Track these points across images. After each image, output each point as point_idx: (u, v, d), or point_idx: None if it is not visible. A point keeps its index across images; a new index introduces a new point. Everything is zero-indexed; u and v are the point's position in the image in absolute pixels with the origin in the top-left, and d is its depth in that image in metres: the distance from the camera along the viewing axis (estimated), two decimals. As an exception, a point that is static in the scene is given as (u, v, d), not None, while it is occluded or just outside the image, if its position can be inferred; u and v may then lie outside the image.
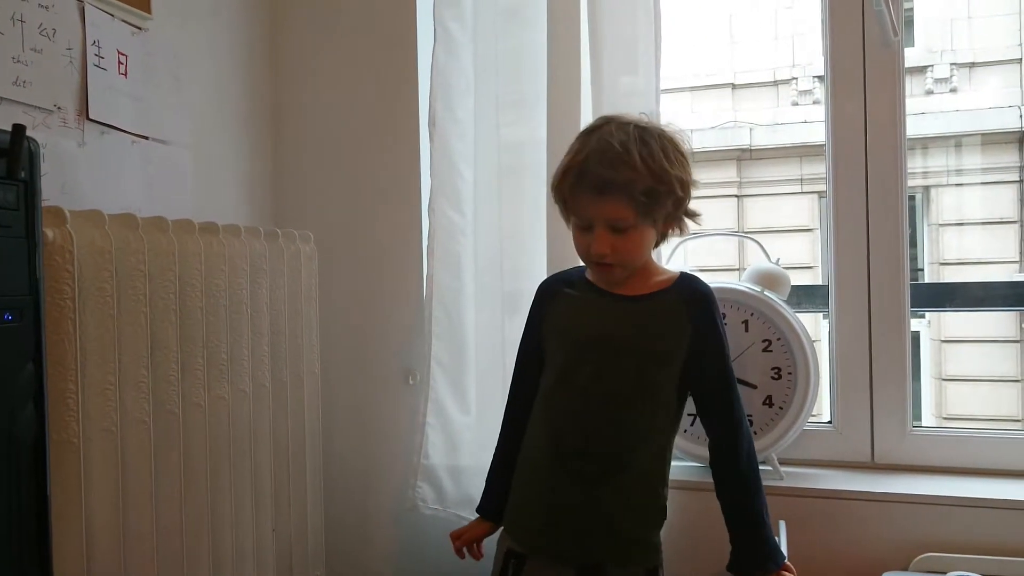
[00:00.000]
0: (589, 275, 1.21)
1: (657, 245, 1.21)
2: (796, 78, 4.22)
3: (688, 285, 1.18)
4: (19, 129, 0.67)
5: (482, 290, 1.52)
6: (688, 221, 1.17)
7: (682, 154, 1.12)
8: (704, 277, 1.63)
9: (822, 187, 1.52)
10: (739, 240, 4.05)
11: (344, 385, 1.63)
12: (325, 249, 1.52)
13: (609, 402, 1.14)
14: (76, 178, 1.19)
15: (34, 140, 0.71)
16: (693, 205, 1.16)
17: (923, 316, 4.04)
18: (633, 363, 1.14)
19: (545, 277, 1.32)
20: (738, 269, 3.30)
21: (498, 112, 1.49)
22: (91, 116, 1.22)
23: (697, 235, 1.62)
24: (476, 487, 1.35)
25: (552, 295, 1.23)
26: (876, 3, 1.41)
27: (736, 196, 4.17)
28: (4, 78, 1.07)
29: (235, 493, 1.22)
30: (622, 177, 1.07)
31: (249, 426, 1.25)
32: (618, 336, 1.15)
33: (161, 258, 1.09)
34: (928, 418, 4.03)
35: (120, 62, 1.28)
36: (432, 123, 1.48)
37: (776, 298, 1.43)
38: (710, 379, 1.17)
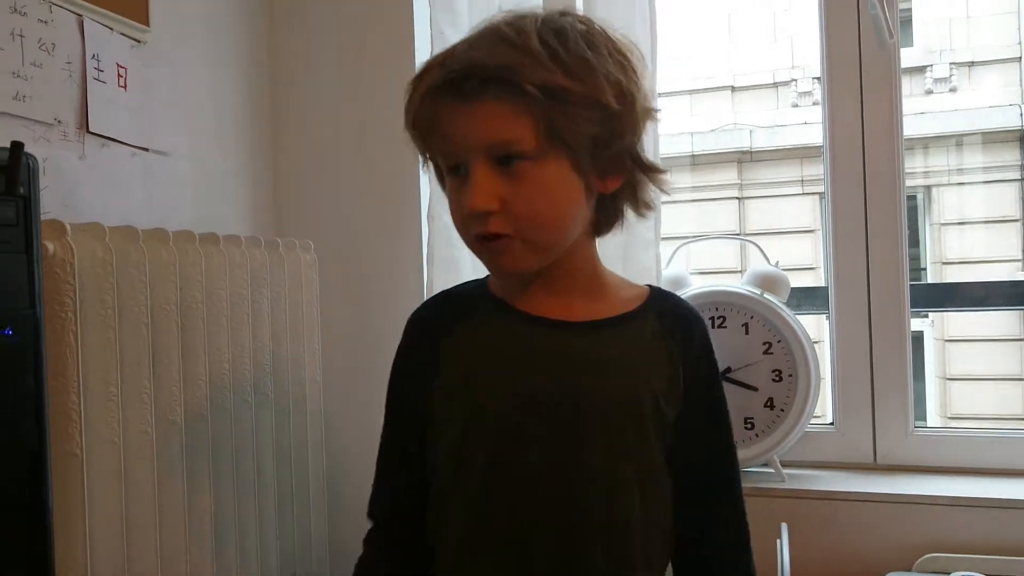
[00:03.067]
0: (494, 286, 0.80)
1: (600, 230, 0.79)
2: (795, 80, 4.23)
3: (668, 304, 0.81)
4: (17, 146, 0.68)
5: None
6: (650, 186, 0.77)
7: (625, 57, 0.72)
8: (705, 280, 1.63)
9: (822, 188, 1.53)
10: (740, 243, 4.06)
11: (346, 392, 1.63)
12: (326, 257, 1.53)
13: (578, 520, 0.70)
14: (77, 191, 1.20)
15: (33, 156, 0.72)
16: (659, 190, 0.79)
17: (926, 316, 4.04)
18: (606, 438, 0.72)
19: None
20: (740, 271, 3.31)
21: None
22: (91, 129, 1.23)
23: (699, 238, 1.62)
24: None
25: (441, 333, 0.78)
26: (871, 6, 1.41)
27: (737, 198, 4.18)
28: (4, 93, 1.08)
29: (239, 502, 1.23)
30: (506, 60, 0.65)
31: (252, 435, 1.26)
32: (576, 392, 0.72)
33: (162, 269, 1.09)
34: (933, 418, 4.02)
35: (119, 75, 1.29)
36: (430, 131, 1.48)
37: (776, 300, 1.44)
38: (707, 447, 0.79)
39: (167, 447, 1.08)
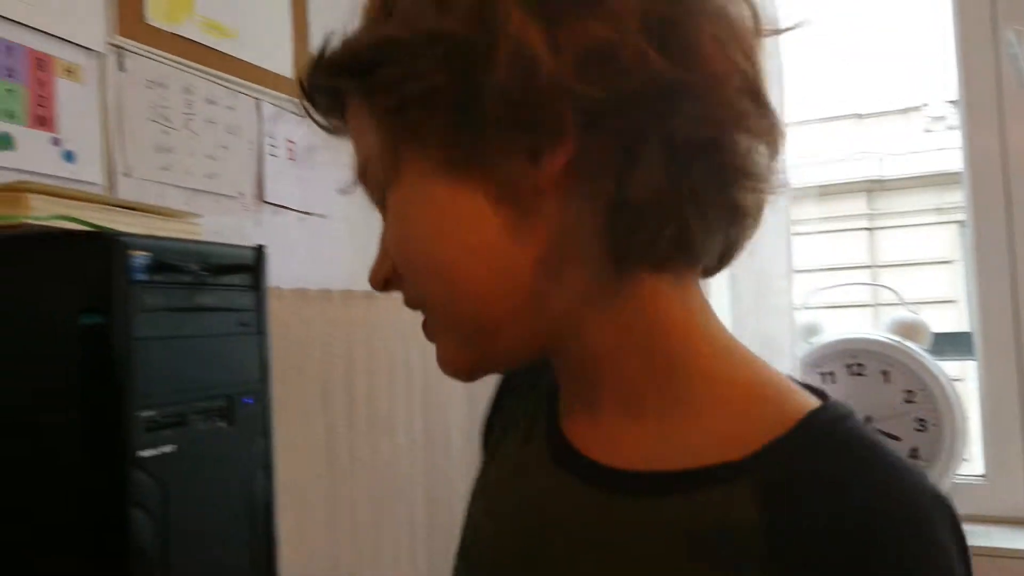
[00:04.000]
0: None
1: (657, 261, 0.41)
2: (927, 104, 4.07)
3: (810, 469, 0.38)
4: (260, 249, 0.81)
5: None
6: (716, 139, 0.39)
7: None
8: (835, 316, 1.60)
9: (961, 216, 1.48)
10: (871, 279, 3.92)
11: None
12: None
13: None
14: (255, 255, 1.35)
15: (264, 254, 0.84)
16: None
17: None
18: None
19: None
20: (873, 305, 3.19)
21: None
22: (266, 199, 1.38)
23: (833, 286, 1.62)
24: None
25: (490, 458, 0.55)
26: (1009, 45, 1.38)
27: (868, 229, 4.05)
28: (200, 173, 1.24)
29: (395, 539, 1.33)
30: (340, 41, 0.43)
31: (406, 478, 1.36)
32: None
33: (329, 326, 1.22)
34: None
35: (289, 148, 1.45)
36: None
37: (917, 348, 1.41)
38: None
39: (335, 487, 1.20)
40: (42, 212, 0.67)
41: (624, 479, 0.42)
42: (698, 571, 0.38)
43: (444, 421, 1.50)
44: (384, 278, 0.47)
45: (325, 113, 0.48)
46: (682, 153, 0.38)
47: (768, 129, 0.41)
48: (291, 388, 1.13)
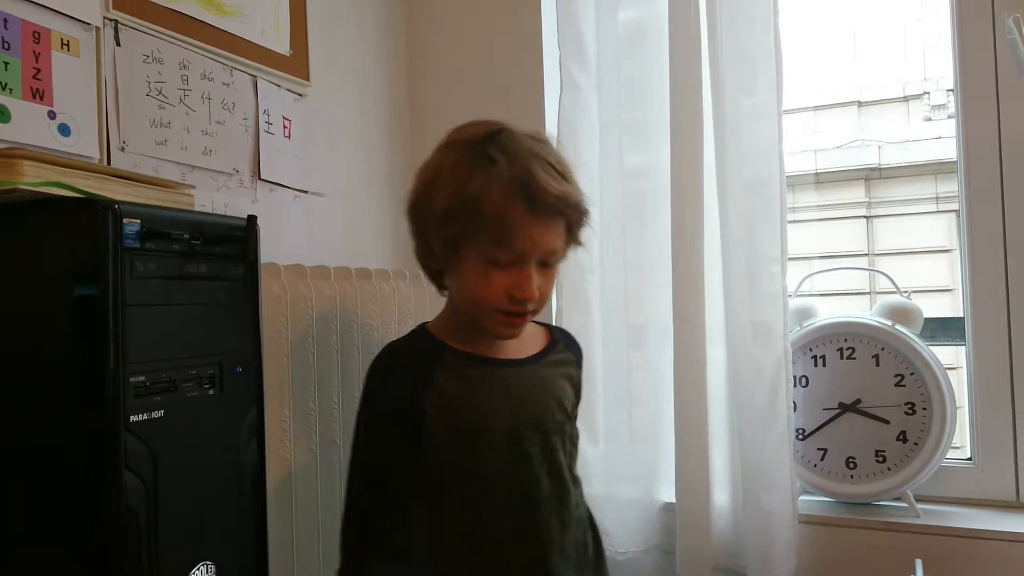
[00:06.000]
0: (453, 341, 0.97)
1: None
2: (928, 92, 4.05)
3: (565, 333, 1.09)
4: (252, 219, 0.82)
5: (608, 324, 1.58)
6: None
7: None
8: (832, 303, 1.61)
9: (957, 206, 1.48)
10: (869, 265, 3.92)
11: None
12: (461, 288, 1.64)
13: (557, 497, 0.95)
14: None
15: (257, 225, 0.85)
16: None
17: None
18: (563, 441, 0.98)
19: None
20: (867, 292, 3.20)
21: (621, 141, 1.55)
22: (262, 176, 1.39)
23: (826, 270, 1.62)
24: (607, 516, 1.41)
25: (428, 378, 0.92)
26: (1008, 31, 1.38)
27: (865, 217, 4.04)
28: (196, 149, 1.25)
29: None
30: (576, 197, 0.90)
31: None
32: (543, 413, 0.97)
33: (325, 303, 1.22)
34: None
35: (285, 126, 1.45)
36: (560, 169, 1.56)
37: (908, 332, 1.42)
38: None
39: (328, 463, 1.21)
40: (35, 178, 0.68)
41: (522, 361, 0.99)
42: (570, 381, 1.04)
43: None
44: (534, 298, 0.90)
45: (552, 216, 0.89)
46: None
47: None
48: (287, 364, 1.14)
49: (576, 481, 1.01)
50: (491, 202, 0.84)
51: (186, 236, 0.73)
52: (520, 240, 0.86)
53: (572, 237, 0.93)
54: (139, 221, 0.68)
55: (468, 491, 0.91)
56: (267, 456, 1.09)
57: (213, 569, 0.78)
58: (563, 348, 1.05)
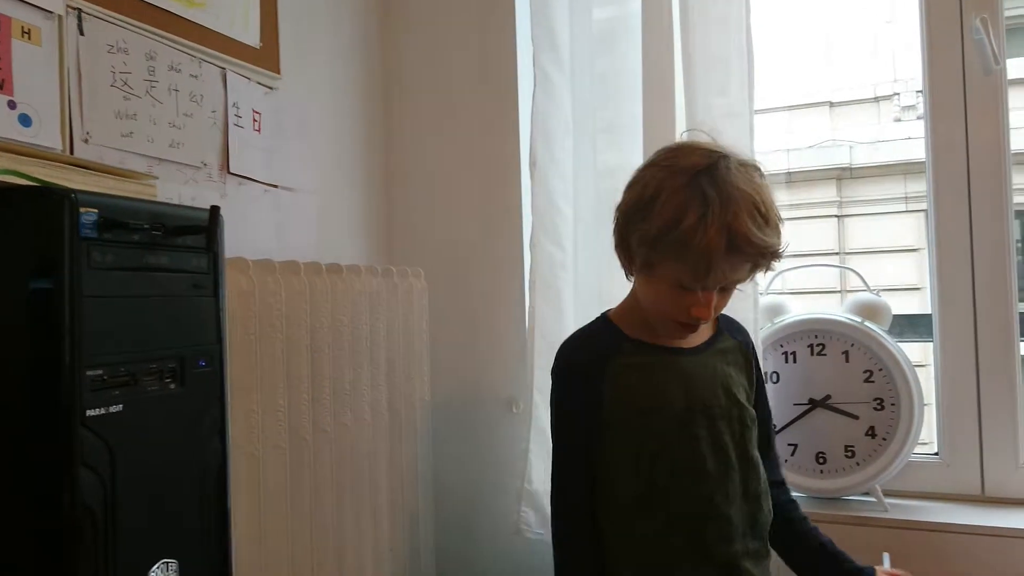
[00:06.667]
0: (632, 331, 1.07)
1: None
2: (898, 93, 4.11)
3: (730, 322, 1.14)
4: (215, 210, 0.80)
5: (581, 320, 1.57)
6: None
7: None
8: (803, 301, 1.63)
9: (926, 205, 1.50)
10: (840, 263, 3.96)
11: (452, 413, 1.72)
12: (435, 284, 1.63)
13: (722, 475, 1.02)
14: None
15: (221, 216, 0.84)
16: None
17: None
18: (730, 424, 1.05)
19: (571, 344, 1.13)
20: (839, 291, 3.23)
21: (594, 140, 1.56)
22: (231, 170, 1.36)
23: (797, 267, 1.64)
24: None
25: (603, 369, 1.04)
26: (975, 32, 1.40)
27: (836, 216, 4.09)
28: (163, 141, 1.22)
29: (357, 512, 1.33)
30: (772, 245, 0.95)
31: (368, 451, 1.36)
32: (710, 397, 1.05)
33: (295, 298, 1.21)
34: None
35: (255, 119, 1.43)
36: (533, 164, 1.56)
37: (877, 328, 1.44)
38: (764, 416, 1.13)
39: (298, 459, 1.19)
40: (-11, 167, 0.66)
41: (692, 349, 1.07)
42: (738, 365, 1.11)
43: (408, 393, 1.50)
44: (710, 319, 1.02)
45: (748, 259, 0.95)
46: None
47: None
48: (254, 359, 1.12)
49: (748, 461, 1.06)
50: (698, 243, 0.91)
51: (146, 226, 0.71)
52: (714, 275, 0.94)
53: (758, 269, 1.00)
54: (96, 211, 0.66)
55: (640, 465, 1.01)
56: (235, 453, 1.07)
57: (175, 567, 0.76)
58: (728, 337, 1.12)
